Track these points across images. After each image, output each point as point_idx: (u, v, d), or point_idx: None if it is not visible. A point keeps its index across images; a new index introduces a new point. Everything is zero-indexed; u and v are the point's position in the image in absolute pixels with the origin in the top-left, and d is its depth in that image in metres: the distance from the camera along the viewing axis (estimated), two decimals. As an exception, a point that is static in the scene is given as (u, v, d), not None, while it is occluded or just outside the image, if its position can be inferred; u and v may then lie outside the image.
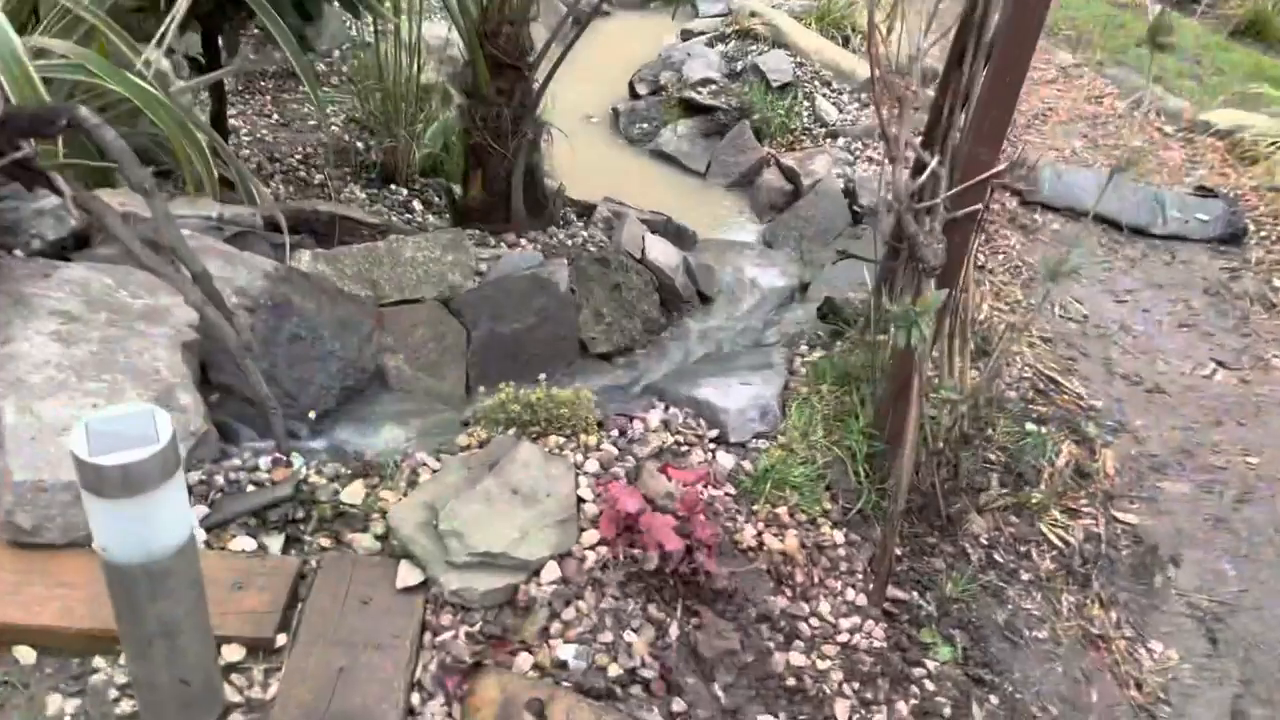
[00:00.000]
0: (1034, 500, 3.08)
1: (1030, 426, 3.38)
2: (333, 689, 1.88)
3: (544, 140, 3.78)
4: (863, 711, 2.31)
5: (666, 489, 2.28)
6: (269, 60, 5.01)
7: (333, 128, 4.72)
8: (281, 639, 1.99)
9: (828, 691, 2.30)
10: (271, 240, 3.16)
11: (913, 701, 2.37)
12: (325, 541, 2.20)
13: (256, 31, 4.82)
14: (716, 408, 2.69)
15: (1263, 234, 4.95)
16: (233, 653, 1.95)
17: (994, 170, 2.29)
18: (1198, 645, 2.89)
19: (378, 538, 2.19)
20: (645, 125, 5.88)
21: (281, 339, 2.90)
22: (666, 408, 2.68)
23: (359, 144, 4.53)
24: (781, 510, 2.55)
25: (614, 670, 2.01)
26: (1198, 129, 5.77)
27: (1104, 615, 2.91)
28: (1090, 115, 6.00)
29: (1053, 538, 3.05)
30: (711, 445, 2.65)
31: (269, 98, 4.95)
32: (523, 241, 3.79)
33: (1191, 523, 3.29)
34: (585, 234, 4.04)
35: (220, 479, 2.24)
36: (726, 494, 2.54)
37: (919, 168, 2.44)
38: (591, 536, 2.20)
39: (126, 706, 1.85)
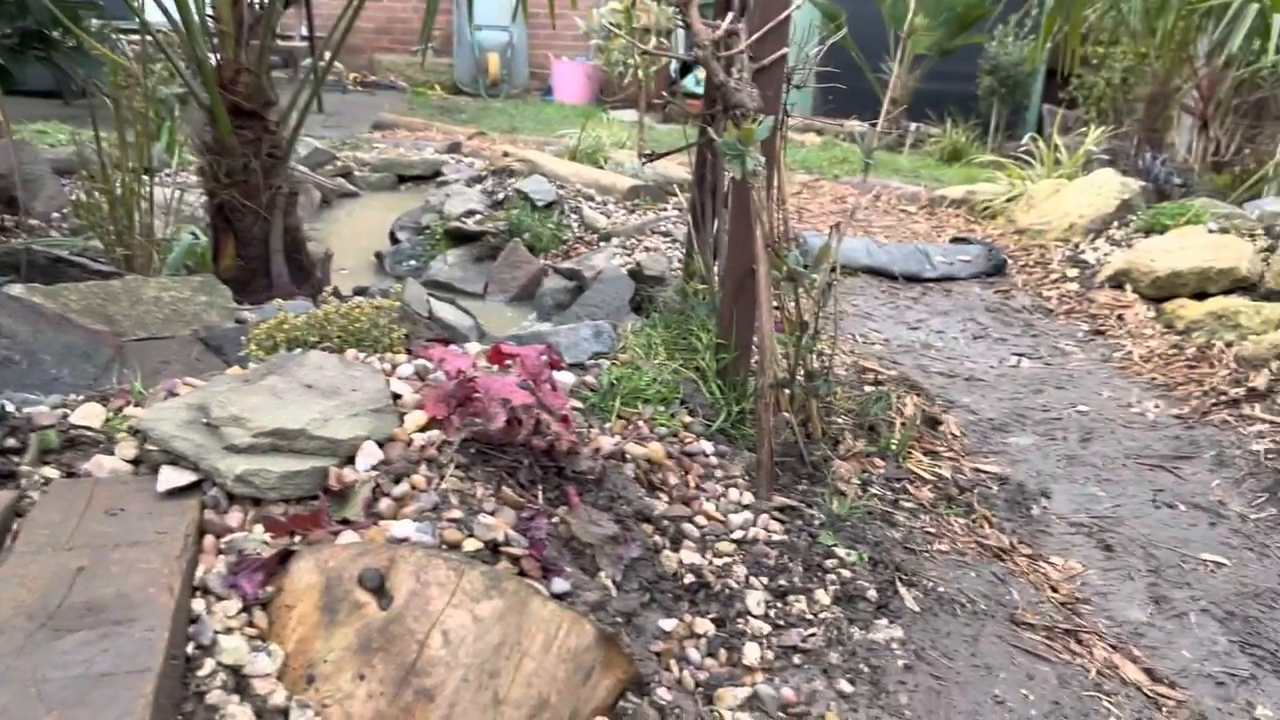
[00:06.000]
0: (894, 444, 2.84)
1: (868, 389, 3.19)
2: (69, 586, 1.30)
3: (301, 196, 3.43)
4: (779, 604, 1.89)
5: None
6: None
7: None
8: (-12, 565, 1.39)
9: (734, 586, 1.88)
10: (-31, 278, 2.61)
11: (833, 588, 1.97)
12: (52, 473, 1.62)
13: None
14: (544, 333, 2.33)
15: (1020, 264, 5.23)
16: (-91, 588, 1.33)
17: (794, 6, 2.20)
18: (1095, 554, 2.68)
19: (130, 461, 1.64)
20: (413, 262, 5.62)
21: (-13, 363, 2.33)
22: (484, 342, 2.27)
23: (85, 261, 4.00)
24: (639, 424, 2.17)
25: (471, 545, 1.53)
26: (936, 203, 6.18)
27: (997, 535, 2.65)
28: (840, 210, 6.31)
29: (924, 474, 2.80)
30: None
31: (-25, 244, 4.37)
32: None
33: (1047, 464, 3.16)
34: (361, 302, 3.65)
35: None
36: (573, 408, 2.14)
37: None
38: (418, 419, 1.75)
39: None
